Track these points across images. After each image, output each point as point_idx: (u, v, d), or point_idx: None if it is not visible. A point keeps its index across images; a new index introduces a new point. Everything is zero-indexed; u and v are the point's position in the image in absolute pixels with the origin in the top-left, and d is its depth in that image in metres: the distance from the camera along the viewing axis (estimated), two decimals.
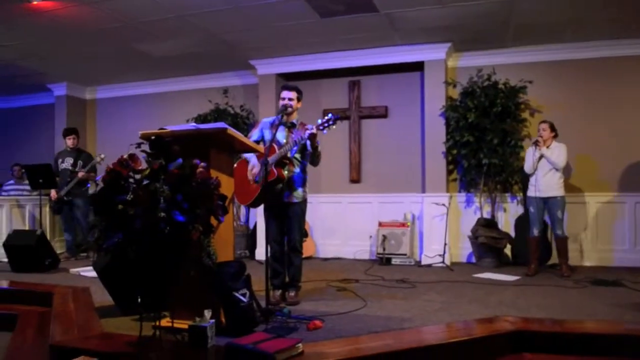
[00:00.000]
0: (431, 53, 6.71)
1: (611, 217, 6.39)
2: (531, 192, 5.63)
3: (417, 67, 6.95)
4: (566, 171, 6.08)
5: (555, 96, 6.61)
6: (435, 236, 6.59)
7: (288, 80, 7.41)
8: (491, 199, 6.65)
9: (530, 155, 5.63)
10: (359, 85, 7.36)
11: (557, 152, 5.51)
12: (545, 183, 5.51)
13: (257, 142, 4.25)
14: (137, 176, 2.64)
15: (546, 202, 5.55)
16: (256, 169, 4.15)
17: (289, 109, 4.19)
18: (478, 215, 6.66)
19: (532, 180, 5.62)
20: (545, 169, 5.52)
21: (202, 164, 2.77)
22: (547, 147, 5.54)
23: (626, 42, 6.32)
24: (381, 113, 7.23)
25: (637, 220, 6.32)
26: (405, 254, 6.63)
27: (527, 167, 5.64)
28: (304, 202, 4.25)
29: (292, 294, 4.22)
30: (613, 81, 6.45)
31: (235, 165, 4.05)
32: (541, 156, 5.51)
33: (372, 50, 6.85)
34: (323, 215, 7.33)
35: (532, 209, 5.62)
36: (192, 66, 7.61)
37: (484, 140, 6.36)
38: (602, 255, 6.37)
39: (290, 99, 4.21)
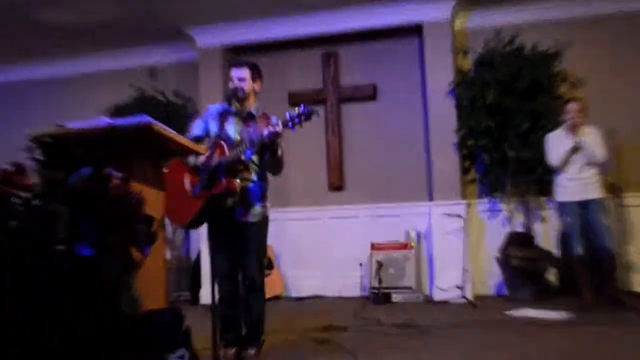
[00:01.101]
0: (432, 11, 6.80)
1: None
2: (563, 196, 5.73)
3: (415, 31, 7.00)
4: (602, 166, 6.12)
5: (602, 63, 6.72)
6: (451, 260, 6.60)
7: (240, 54, 7.40)
8: (524, 206, 6.70)
9: (555, 144, 5.73)
10: (337, 58, 7.38)
11: (595, 140, 5.64)
12: (582, 182, 5.64)
13: (200, 139, 4.21)
14: (25, 194, 2.56)
15: (585, 207, 5.65)
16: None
17: (241, 93, 4.16)
18: (508, 229, 6.71)
19: (561, 179, 5.73)
20: (579, 162, 5.65)
21: (119, 174, 2.70)
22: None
23: None
24: (368, 94, 7.28)
25: None
26: (409, 287, 6.62)
27: (556, 159, 5.71)
28: (264, 221, 4.21)
29: (251, 352, 4.16)
30: None
31: (166, 170, 3.98)
32: (575, 147, 5.58)
33: (352, 9, 6.90)
34: (294, 238, 7.31)
35: (569, 219, 5.70)
36: (105, 39, 7.55)
37: (509, 126, 6.40)
38: None
39: (241, 79, 4.18)
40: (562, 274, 6.45)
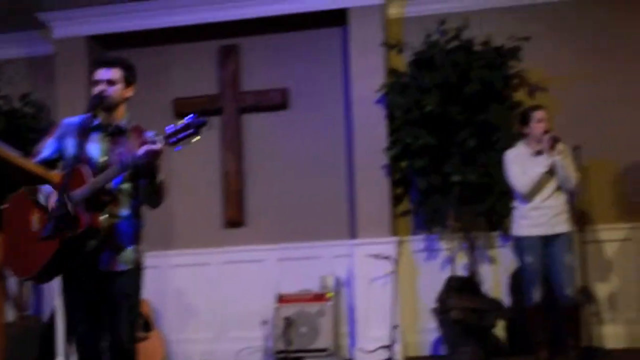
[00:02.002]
0: None
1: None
2: (524, 229, 5.76)
3: (337, 19, 7.00)
4: (572, 193, 6.18)
5: (570, 62, 6.90)
6: (377, 314, 6.61)
7: (110, 47, 7.33)
8: (468, 244, 6.78)
9: (519, 164, 5.72)
10: (237, 54, 7.40)
11: (568, 160, 5.72)
12: (551, 212, 5.70)
13: (52, 161, 4.10)
14: None
15: (549, 244, 5.72)
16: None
17: (108, 100, 4.06)
18: (448, 273, 6.75)
19: (525, 208, 5.76)
20: (550, 188, 5.71)
21: None
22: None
23: None
24: (276, 102, 7.28)
25: None
26: (325, 349, 6.61)
27: (522, 184, 5.72)
28: (138, 269, 4.12)
29: None
30: None
31: (5, 205, 3.86)
32: (552, 169, 5.64)
33: None
34: (179, 290, 7.25)
35: (529, 258, 5.75)
36: None
37: (453, 143, 6.48)
38: (634, 329, 6.64)
39: (110, 82, 4.08)
40: (513, 328, 6.55)
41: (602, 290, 6.71)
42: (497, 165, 6.42)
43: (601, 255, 6.73)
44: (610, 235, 6.76)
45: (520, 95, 6.81)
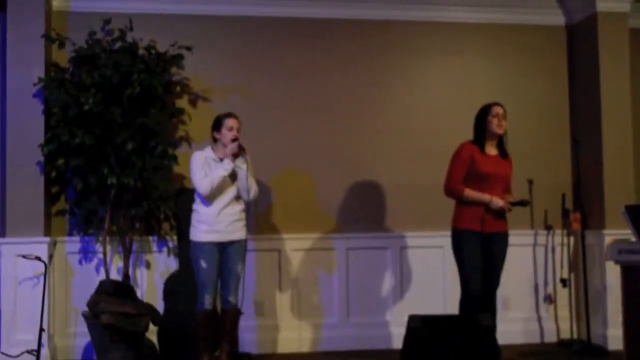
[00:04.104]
0: None
1: (315, 270, 7.20)
2: (201, 235, 5.76)
3: None
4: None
5: (233, 75, 7.13)
6: (24, 316, 6.38)
7: None
8: (124, 248, 6.72)
9: (203, 167, 5.71)
10: None
11: (251, 170, 5.82)
12: (228, 219, 5.77)
13: None
14: None
15: (223, 250, 5.79)
16: None
17: None
18: (103, 276, 6.64)
19: (204, 213, 5.76)
20: (229, 195, 5.77)
21: None
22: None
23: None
24: None
25: (351, 276, 7.25)
26: None
27: (205, 186, 5.64)
28: None
29: None
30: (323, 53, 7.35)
31: None
32: (233, 173, 5.69)
33: None
34: None
35: (204, 263, 5.72)
36: None
37: (111, 144, 6.40)
38: (300, 333, 7.09)
39: None
40: (165, 333, 6.54)
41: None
42: (155, 170, 6.50)
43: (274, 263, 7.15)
44: (288, 244, 7.15)
45: (182, 103, 6.92)
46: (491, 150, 5.87)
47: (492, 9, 7.54)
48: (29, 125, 6.55)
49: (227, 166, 5.65)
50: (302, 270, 7.15)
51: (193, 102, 6.96)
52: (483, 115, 5.86)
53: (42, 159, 6.53)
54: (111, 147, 6.40)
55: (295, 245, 7.14)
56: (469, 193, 5.67)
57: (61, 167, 6.64)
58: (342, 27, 7.38)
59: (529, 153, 7.38)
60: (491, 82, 7.48)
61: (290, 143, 7.18)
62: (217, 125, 5.82)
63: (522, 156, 7.11)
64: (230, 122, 5.77)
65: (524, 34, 7.67)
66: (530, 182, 7.45)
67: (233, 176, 5.73)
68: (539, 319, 7.48)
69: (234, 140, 5.68)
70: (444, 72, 7.54)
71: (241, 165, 5.71)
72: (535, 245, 7.53)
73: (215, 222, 5.72)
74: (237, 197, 5.81)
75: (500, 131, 5.83)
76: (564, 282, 7.31)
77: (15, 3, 6.57)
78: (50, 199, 6.77)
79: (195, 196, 5.83)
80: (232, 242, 5.77)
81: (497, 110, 5.84)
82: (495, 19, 7.62)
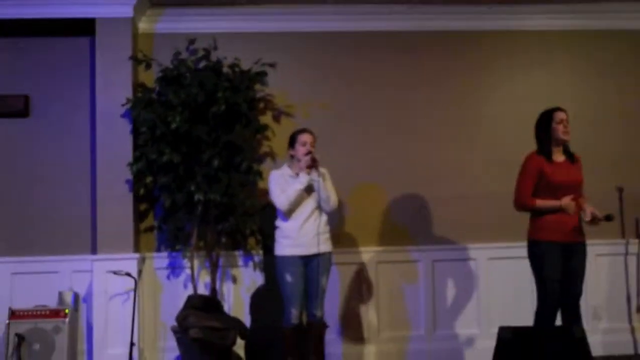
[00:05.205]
0: (108, 5, 6.70)
1: (399, 283, 7.15)
2: (285, 249, 5.78)
3: (84, 27, 6.83)
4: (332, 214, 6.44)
5: (315, 91, 7.18)
6: (116, 331, 6.50)
7: None
8: (211, 262, 6.79)
9: (280, 183, 5.78)
10: None
11: (328, 181, 5.86)
12: (312, 232, 5.75)
13: None
14: None
15: (309, 264, 5.79)
16: None
17: None
18: (190, 291, 6.72)
19: (286, 228, 5.80)
20: (309, 208, 5.78)
21: None
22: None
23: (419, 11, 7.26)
24: (16, 108, 6.95)
25: (437, 288, 7.18)
26: None
27: (282, 202, 5.72)
28: None
29: None
30: (407, 67, 7.34)
31: None
32: (309, 185, 5.72)
33: None
34: None
35: (289, 278, 5.73)
36: None
37: (197, 161, 6.49)
38: (387, 347, 7.04)
39: None
40: (252, 347, 6.59)
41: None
42: (240, 186, 6.58)
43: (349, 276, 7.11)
44: (370, 257, 7.13)
45: (265, 119, 6.98)
46: (558, 157, 5.67)
47: (575, 16, 7.41)
48: (117, 144, 6.69)
49: (302, 179, 5.69)
50: (386, 283, 7.12)
51: (277, 118, 7.03)
52: (546, 123, 5.64)
53: (130, 177, 6.66)
54: (198, 164, 6.49)
55: (379, 258, 7.11)
56: (540, 203, 5.53)
57: (149, 184, 6.72)
58: (426, 40, 7.36)
59: (617, 160, 7.27)
60: (575, 89, 7.40)
61: (371, 156, 7.19)
62: (291, 142, 5.87)
63: (610, 164, 7.06)
64: (303, 138, 5.81)
65: (610, 40, 7.51)
66: (621, 190, 7.24)
67: (310, 189, 5.76)
68: (632, 330, 7.26)
69: (307, 154, 5.72)
70: (527, 82, 7.44)
71: (316, 178, 5.73)
72: (627, 254, 7.31)
73: (298, 236, 5.74)
74: (319, 210, 5.82)
75: (567, 137, 5.63)
76: None
77: (104, 27, 6.73)
78: (139, 216, 6.89)
79: (277, 213, 5.89)
80: (316, 255, 5.76)
81: (561, 115, 5.62)
82: (578, 26, 7.49)
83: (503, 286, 7.13)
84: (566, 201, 5.49)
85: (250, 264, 6.95)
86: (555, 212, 5.52)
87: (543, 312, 5.57)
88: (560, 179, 5.56)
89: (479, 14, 7.32)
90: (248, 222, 6.72)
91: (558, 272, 5.51)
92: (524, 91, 7.37)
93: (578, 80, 7.46)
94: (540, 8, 7.32)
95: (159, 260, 6.95)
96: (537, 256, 5.58)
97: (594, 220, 5.55)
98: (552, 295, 5.50)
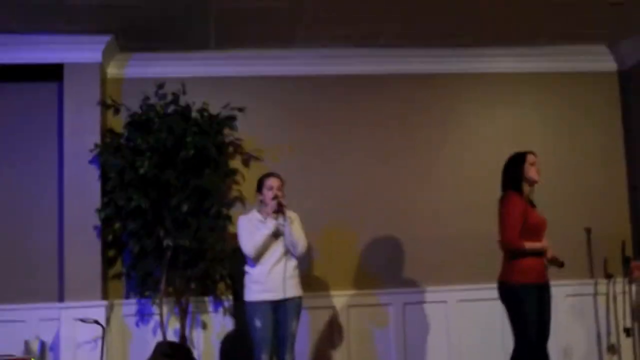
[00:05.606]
0: (77, 50, 6.70)
1: (370, 326, 7.13)
2: (254, 294, 5.76)
3: (52, 72, 6.81)
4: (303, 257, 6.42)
5: (284, 134, 7.20)
6: None
7: None
8: (180, 309, 6.74)
9: (248, 229, 5.78)
10: None
11: (297, 225, 5.85)
12: (280, 277, 5.72)
13: None
14: None
15: (278, 309, 5.76)
16: None
17: None
18: (159, 337, 6.65)
19: (255, 273, 5.78)
20: (277, 253, 5.77)
21: None
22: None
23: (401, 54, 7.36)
24: None
25: (407, 331, 7.17)
26: None
27: (250, 248, 5.71)
28: None
29: None
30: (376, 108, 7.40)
31: None
32: (276, 231, 5.73)
33: None
34: None
35: (259, 323, 5.71)
36: None
37: (166, 206, 6.47)
38: None
39: None
40: None
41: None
42: (210, 230, 6.56)
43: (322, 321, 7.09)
44: (341, 301, 7.12)
45: (235, 163, 7.00)
46: (527, 198, 5.72)
47: (540, 58, 7.54)
48: (86, 190, 6.64)
49: (269, 225, 5.70)
50: (357, 326, 7.09)
51: (246, 162, 7.03)
52: (519, 164, 5.67)
53: (99, 223, 6.61)
54: (166, 210, 6.47)
55: (350, 302, 7.10)
56: (529, 245, 5.51)
57: (118, 230, 6.70)
58: (391, 83, 7.43)
59: (585, 202, 7.35)
60: (542, 130, 7.49)
61: (341, 198, 7.20)
62: (259, 186, 5.89)
63: (578, 205, 7.11)
64: (269, 182, 5.83)
65: (575, 81, 7.64)
66: (589, 230, 7.32)
67: (278, 234, 5.75)
68: None
69: (274, 198, 5.73)
70: (494, 124, 7.53)
71: (283, 222, 5.73)
72: (596, 294, 7.36)
73: (266, 281, 5.72)
74: (287, 254, 5.80)
75: (538, 179, 5.67)
76: (627, 331, 7.11)
77: (72, 72, 6.72)
78: (108, 262, 6.82)
79: (246, 258, 5.86)
80: (285, 300, 5.74)
81: (534, 158, 5.69)
82: (544, 68, 7.60)
83: (473, 328, 7.13)
84: (546, 243, 5.56)
85: (220, 309, 6.91)
86: (535, 255, 5.55)
87: (523, 354, 5.54)
88: (538, 220, 5.61)
89: (444, 57, 7.43)
90: (218, 267, 6.69)
91: (537, 313, 5.51)
92: (491, 133, 7.45)
93: (544, 121, 7.55)
94: (505, 51, 7.44)
95: (128, 307, 6.87)
96: (519, 299, 5.51)
97: (554, 261, 5.62)
98: (531, 338, 5.47)
